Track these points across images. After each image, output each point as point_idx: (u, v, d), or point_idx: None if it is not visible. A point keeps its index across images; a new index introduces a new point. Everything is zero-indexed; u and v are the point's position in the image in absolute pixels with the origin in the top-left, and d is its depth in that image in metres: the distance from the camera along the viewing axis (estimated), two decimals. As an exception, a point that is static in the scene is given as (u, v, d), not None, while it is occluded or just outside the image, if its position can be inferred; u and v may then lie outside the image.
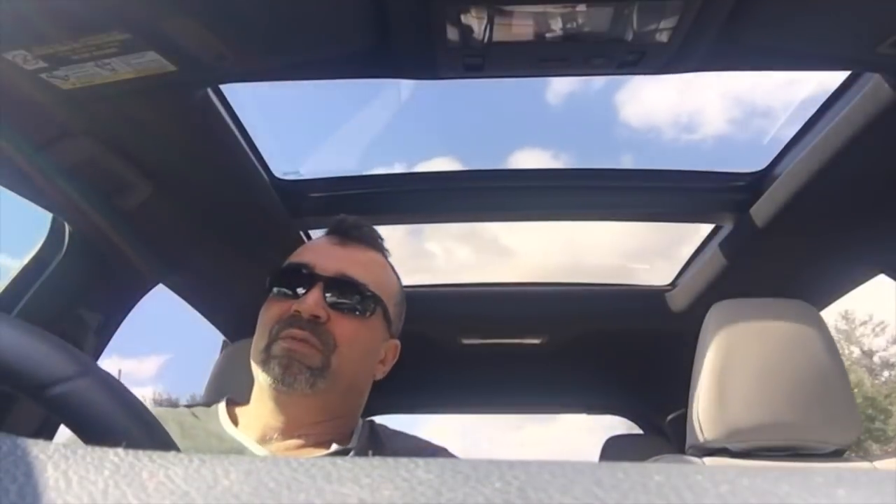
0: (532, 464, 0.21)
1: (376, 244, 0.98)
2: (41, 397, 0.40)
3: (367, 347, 0.92)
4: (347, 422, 0.92)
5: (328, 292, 0.87)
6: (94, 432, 0.40)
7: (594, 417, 2.83)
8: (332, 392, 0.86)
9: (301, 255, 0.93)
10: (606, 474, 0.20)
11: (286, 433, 0.87)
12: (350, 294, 0.89)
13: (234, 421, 0.90)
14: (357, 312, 0.89)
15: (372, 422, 0.97)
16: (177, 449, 0.44)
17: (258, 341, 0.88)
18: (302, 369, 0.84)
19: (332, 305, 0.87)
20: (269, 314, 0.89)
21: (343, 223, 0.97)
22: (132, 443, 0.35)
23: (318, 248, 0.94)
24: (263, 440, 0.86)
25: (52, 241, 1.23)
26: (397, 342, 0.98)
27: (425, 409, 2.84)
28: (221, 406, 0.92)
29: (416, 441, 0.97)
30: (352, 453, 0.86)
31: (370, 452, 0.91)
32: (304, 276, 0.89)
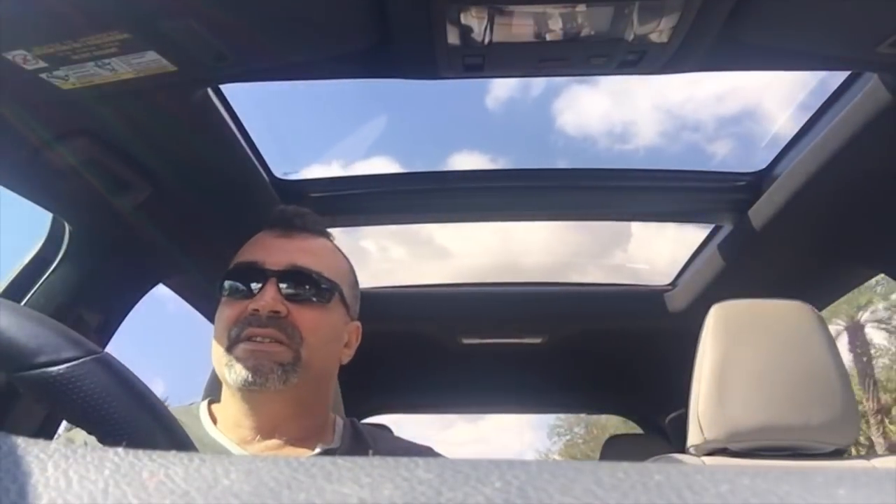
0: (532, 464, 0.21)
1: (321, 230, 0.97)
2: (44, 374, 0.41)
3: (332, 334, 0.91)
4: (321, 412, 0.92)
5: (283, 286, 0.86)
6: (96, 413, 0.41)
7: (524, 417, 2.87)
8: (305, 384, 0.86)
9: (248, 253, 0.92)
10: (606, 474, 0.20)
11: (264, 432, 0.86)
12: (305, 284, 0.88)
13: (215, 422, 0.89)
14: (315, 301, 0.88)
15: (354, 421, 0.97)
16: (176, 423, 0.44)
17: (218, 345, 0.87)
18: (273, 367, 0.83)
19: (289, 298, 0.86)
20: (224, 316, 0.87)
21: (285, 213, 0.95)
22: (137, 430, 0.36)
23: (265, 243, 0.93)
24: (244, 441, 0.86)
25: (52, 241, 1.23)
26: (358, 324, 0.97)
27: (425, 409, 2.85)
28: (203, 408, 0.91)
29: (401, 443, 0.97)
30: (337, 454, 0.86)
31: (370, 452, 0.91)
32: (255, 274, 0.87)
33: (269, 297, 0.85)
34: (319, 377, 0.90)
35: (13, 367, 0.41)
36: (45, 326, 0.43)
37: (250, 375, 0.82)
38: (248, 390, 0.84)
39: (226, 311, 0.88)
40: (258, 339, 0.84)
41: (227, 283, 0.89)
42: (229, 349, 0.85)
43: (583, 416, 16.18)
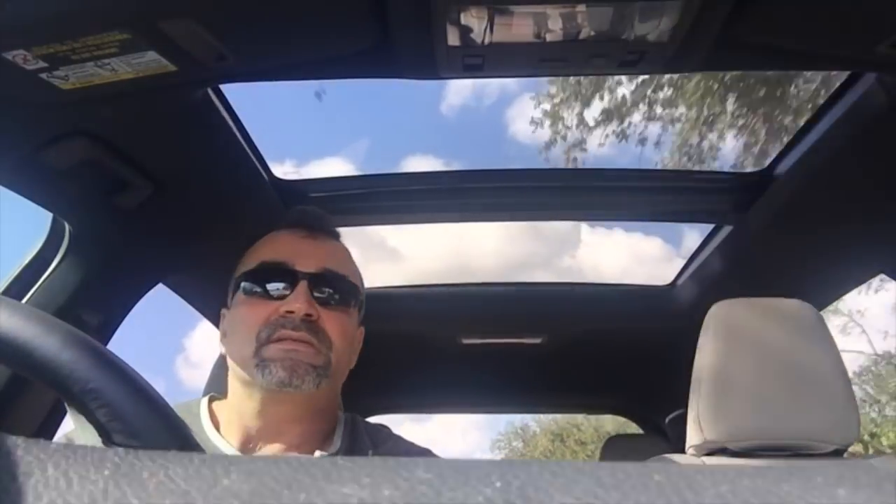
0: (532, 464, 0.21)
1: (337, 234, 0.98)
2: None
3: (352, 339, 0.92)
4: (329, 414, 0.92)
5: (313, 289, 0.86)
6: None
7: (473, 418, 2.88)
8: (330, 388, 0.87)
9: (274, 252, 0.90)
10: (607, 474, 0.20)
11: (268, 435, 0.86)
12: (334, 288, 0.88)
13: (216, 422, 0.88)
14: (342, 305, 0.88)
15: (354, 417, 0.96)
16: (200, 449, 0.44)
17: (243, 346, 0.85)
18: (308, 370, 0.82)
19: (319, 302, 0.86)
20: (250, 316, 0.86)
21: (309, 214, 0.95)
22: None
23: (292, 244, 0.91)
24: (245, 446, 0.85)
25: (52, 241, 1.23)
26: (362, 329, 0.97)
27: (425, 408, 2.85)
28: (203, 407, 0.90)
29: (401, 443, 0.97)
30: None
31: (370, 452, 0.91)
32: (285, 274, 0.86)
33: (303, 299, 0.84)
34: (338, 382, 0.90)
35: (107, 438, 0.40)
36: (159, 412, 0.41)
37: (287, 377, 0.81)
38: (280, 392, 0.83)
39: (251, 312, 0.86)
40: (293, 339, 0.83)
41: (248, 283, 0.88)
42: (259, 350, 0.83)
43: (519, 431, 16.64)
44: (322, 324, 0.85)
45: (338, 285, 0.88)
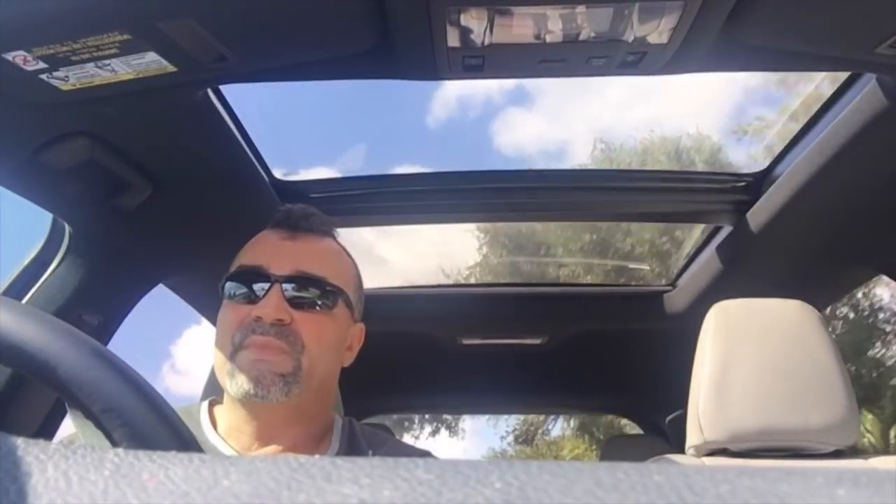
0: (532, 464, 0.21)
1: (326, 230, 0.95)
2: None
3: (335, 340, 0.90)
4: (322, 417, 0.92)
5: (287, 292, 0.85)
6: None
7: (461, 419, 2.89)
8: (307, 393, 0.85)
9: (252, 255, 0.89)
10: (606, 474, 0.20)
11: (263, 439, 0.86)
12: (309, 290, 0.86)
13: (216, 426, 0.88)
14: (320, 308, 0.87)
15: (353, 421, 0.96)
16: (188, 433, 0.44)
17: (221, 350, 0.85)
18: (275, 379, 0.81)
19: (293, 304, 0.85)
20: (227, 320, 0.85)
21: (291, 214, 0.92)
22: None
23: (270, 246, 0.90)
24: (242, 448, 0.85)
25: (52, 241, 1.23)
26: (362, 325, 0.96)
27: (425, 409, 2.86)
28: (204, 410, 0.90)
29: (400, 447, 0.96)
30: None
31: (370, 453, 0.91)
32: (259, 278, 0.86)
33: (272, 304, 0.83)
34: (321, 384, 0.89)
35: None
36: (173, 428, 0.41)
37: (252, 387, 0.81)
38: (249, 402, 0.83)
39: (228, 315, 0.86)
40: (260, 345, 0.82)
41: (229, 286, 0.88)
42: (232, 356, 0.83)
43: (497, 450, 16.77)
44: (296, 327, 0.84)
45: (313, 287, 0.86)
